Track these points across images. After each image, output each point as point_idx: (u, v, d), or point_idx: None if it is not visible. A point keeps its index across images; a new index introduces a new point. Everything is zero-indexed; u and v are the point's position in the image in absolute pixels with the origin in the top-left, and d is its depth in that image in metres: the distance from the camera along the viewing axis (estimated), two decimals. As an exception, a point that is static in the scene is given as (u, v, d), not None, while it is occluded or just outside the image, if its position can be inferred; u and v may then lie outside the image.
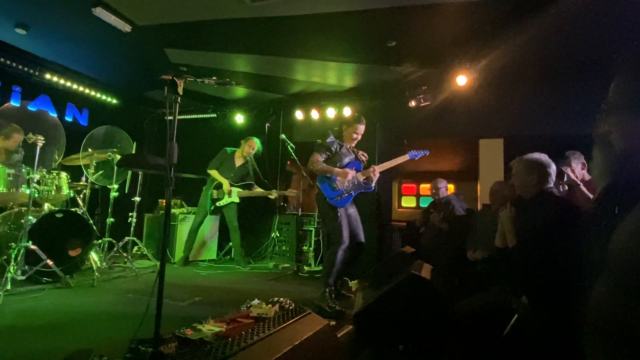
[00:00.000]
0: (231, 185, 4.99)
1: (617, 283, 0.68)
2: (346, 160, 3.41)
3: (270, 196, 5.07)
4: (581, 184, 3.19)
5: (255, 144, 5.16)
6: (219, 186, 5.02)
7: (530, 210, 2.26)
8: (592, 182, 3.10)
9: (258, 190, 5.14)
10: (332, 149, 3.38)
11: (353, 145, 3.55)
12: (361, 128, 3.50)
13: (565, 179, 3.18)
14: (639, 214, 0.71)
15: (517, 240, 2.33)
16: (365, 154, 3.62)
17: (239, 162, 5.15)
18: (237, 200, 5.03)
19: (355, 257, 3.49)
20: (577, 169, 3.39)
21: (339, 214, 3.25)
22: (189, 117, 6.63)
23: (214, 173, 5.03)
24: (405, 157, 3.64)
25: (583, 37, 3.81)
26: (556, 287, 1.91)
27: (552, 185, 2.23)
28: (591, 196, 3.06)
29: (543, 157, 2.26)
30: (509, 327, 2.09)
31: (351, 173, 3.32)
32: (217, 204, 5.00)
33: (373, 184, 3.45)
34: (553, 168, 2.24)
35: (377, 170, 3.41)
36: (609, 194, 0.91)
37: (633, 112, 0.81)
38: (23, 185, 3.67)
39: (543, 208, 2.17)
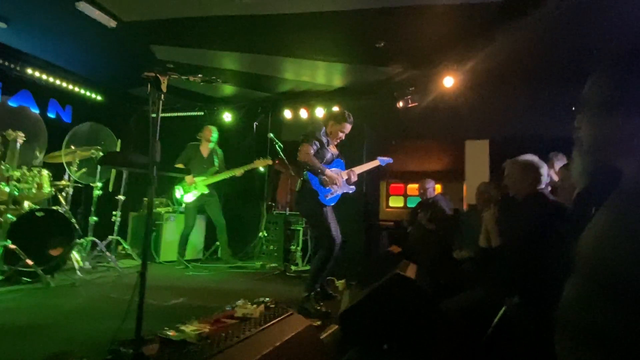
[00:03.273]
0: (195, 176, 4.89)
1: (585, 283, 0.69)
2: (329, 155, 3.33)
3: (236, 174, 4.91)
4: (563, 185, 3.25)
5: (211, 131, 5.10)
6: (180, 181, 4.90)
7: (524, 211, 2.30)
8: (572, 183, 3.16)
9: (222, 174, 4.97)
10: (323, 141, 3.27)
11: (336, 142, 3.47)
12: (349, 127, 3.44)
13: (547, 180, 3.24)
14: (605, 215, 0.72)
15: (508, 239, 2.36)
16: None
17: (205, 152, 5.07)
18: (205, 190, 4.91)
19: (337, 256, 3.43)
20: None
21: (325, 212, 3.17)
22: (175, 114, 6.55)
23: (179, 165, 4.90)
24: (376, 162, 3.74)
25: (567, 40, 3.89)
26: (547, 285, 1.94)
27: (544, 186, 2.28)
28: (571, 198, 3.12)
29: (535, 158, 2.31)
30: (494, 324, 2.12)
31: (338, 178, 3.24)
32: (184, 201, 4.85)
33: (353, 186, 3.44)
34: (545, 169, 2.29)
35: (356, 173, 3.41)
36: (586, 195, 0.93)
37: (603, 110, 0.82)
38: (2, 183, 3.57)
39: (536, 208, 2.21)
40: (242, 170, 4.92)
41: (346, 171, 3.42)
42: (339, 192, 3.32)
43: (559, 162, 3.57)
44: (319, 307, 3.00)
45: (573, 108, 0.90)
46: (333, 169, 3.30)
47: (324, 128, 3.35)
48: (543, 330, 1.81)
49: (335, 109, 5.55)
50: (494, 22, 3.56)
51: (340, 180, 3.26)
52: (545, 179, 2.29)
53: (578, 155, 0.95)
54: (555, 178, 3.35)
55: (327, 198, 3.20)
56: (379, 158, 3.78)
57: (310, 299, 3.04)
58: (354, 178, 3.40)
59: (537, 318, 1.90)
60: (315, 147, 3.20)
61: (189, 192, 4.86)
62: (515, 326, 2.04)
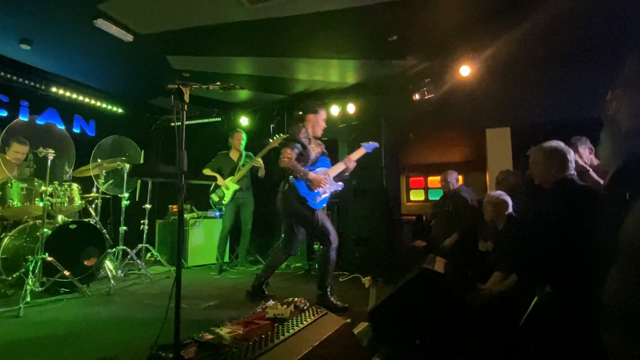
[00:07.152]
0: (225, 178, 4.93)
1: (631, 269, 0.68)
2: (313, 156, 3.24)
3: (256, 163, 4.83)
4: (590, 169, 3.17)
5: (241, 137, 5.11)
6: (215, 188, 4.97)
7: (551, 198, 2.24)
8: (600, 166, 3.06)
9: (245, 166, 4.94)
10: (304, 143, 3.19)
11: (319, 134, 3.37)
12: (325, 114, 3.37)
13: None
14: None
15: (535, 228, 2.31)
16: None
17: (235, 158, 5.09)
18: (236, 187, 4.91)
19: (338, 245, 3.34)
20: (585, 154, 3.36)
21: (317, 216, 3.11)
22: (194, 122, 6.68)
23: (206, 171, 4.96)
24: (362, 150, 3.50)
25: (587, 23, 3.76)
26: (581, 274, 1.89)
27: (572, 172, 2.21)
28: (601, 181, 3.03)
29: (561, 144, 2.24)
30: (525, 315, 2.09)
31: (324, 179, 3.16)
32: (224, 202, 4.89)
33: (347, 175, 3.38)
34: (572, 155, 2.22)
35: (353, 160, 3.35)
36: (619, 178, 0.90)
37: None
38: (36, 199, 3.73)
39: (565, 195, 2.15)
40: (260, 156, 4.87)
41: (335, 165, 3.34)
42: (328, 192, 3.25)
43: (583, 145, 3.48)
44: (335, 303, 3.07)
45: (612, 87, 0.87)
46: (318, 169, 3.23)
47: (304, 128, 3.27)
48: (579, 319, 1.77)
49: (351, 106, 5.55)
50: (511, 5, 3.47)
51: (327, 180, 3.19)
52: (572, 165, 2.22)
53: (608, 137, 0.93)
54: (581, 162, 3.27)
55: (317, 201, 3.15)
56: (363, 145, 3.55)
57: (326, 297, 3.11)
58: (352, 164, 3.34)
59: (572, 307, 1.86)
60: (297, 150, 3.13)
61: (225, 194, 4.91)
62: (548, 317, 1.99)
